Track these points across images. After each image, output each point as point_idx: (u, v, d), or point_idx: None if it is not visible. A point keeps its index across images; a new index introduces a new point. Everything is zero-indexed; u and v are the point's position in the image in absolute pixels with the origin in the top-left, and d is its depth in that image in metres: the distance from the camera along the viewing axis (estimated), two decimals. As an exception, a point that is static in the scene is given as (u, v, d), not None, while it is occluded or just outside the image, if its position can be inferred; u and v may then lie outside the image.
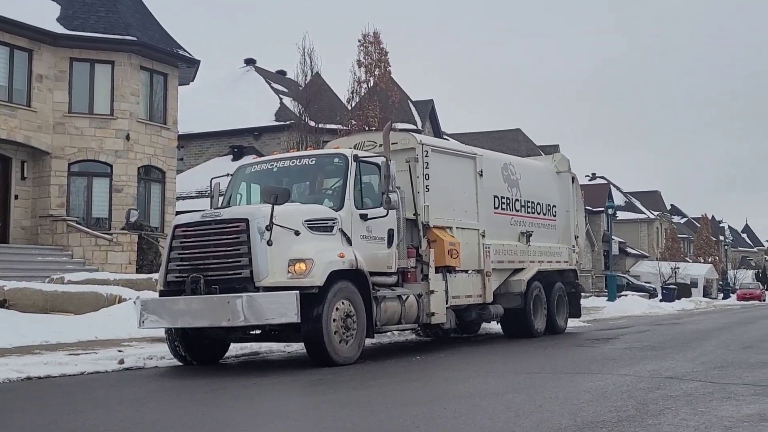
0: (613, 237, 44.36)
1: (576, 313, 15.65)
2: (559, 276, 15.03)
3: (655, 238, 71.70)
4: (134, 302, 11.30)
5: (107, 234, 21.90)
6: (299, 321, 8.61)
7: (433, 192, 11.52)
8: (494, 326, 14.82)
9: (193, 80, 27.29)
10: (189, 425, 5.70)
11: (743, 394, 6.43)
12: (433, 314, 11.04)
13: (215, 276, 8.89)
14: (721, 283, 67.40)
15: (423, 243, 11.25)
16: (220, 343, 10.23)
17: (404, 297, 10.44)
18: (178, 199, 26.44)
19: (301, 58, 26.81)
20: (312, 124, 26.62)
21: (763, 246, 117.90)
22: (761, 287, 64.61)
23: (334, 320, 9.02)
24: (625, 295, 35.95)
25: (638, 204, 73.41)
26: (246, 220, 8.94)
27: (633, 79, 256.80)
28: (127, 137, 23.49)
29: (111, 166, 23.33)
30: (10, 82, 22.04)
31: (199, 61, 26.06)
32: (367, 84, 26.01)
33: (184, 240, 9.30)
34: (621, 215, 62.93)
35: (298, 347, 11.12)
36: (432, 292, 11.05)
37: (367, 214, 9.95)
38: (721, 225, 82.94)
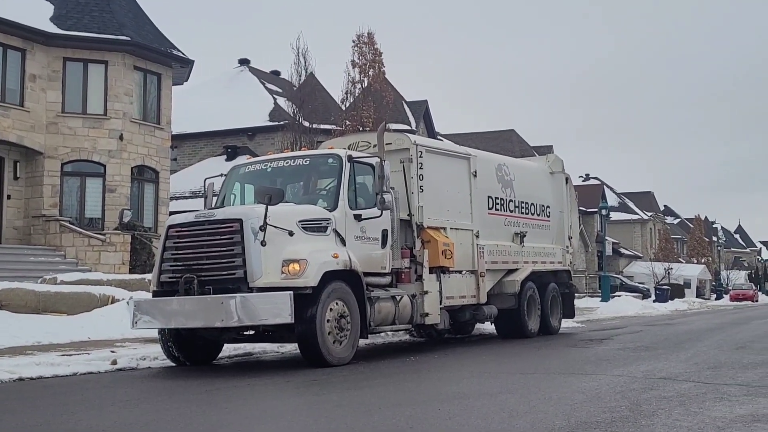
0: (606, 238, 44.38)
1: (570, 313, 15.70)
2: (553, 276, 15.06)
3: (649, 238, 71.88)
4: (127, 303, 11.29)
5: (100, 234, 21.86)
6: (293, 321, 8.60)
7: (427, 192, 11.52)
8: (488, 327, 14.82)
9: (186, 80, 27.23)
10: (182, 426, 5.69)
11: (736, 395, 6.44)
12: (427, 315, 11.04)
13: (209, 276, 8.87)
14: (714, 283, 67.46)
15: (417, 243, 11.25)
16: (213, 344, 10.20)
17: (398, 297, 10.43)
18: (171, 199, 26.40)
19: (295, 59, 26.81)
20: (306, 124, 26.57)
21: (756, 247, 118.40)
22: (754, 288, 64.84)
23: (328, 321, 9.02)
24: (619, 296, 35.97)
25: (632, 205, 73.62)
26: (240, 221, 8.92)
27: (627, 80, 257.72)
28: (121, 137, 23.44)
29: (104, 166, 23.28)
30: (3, 81, 21.99)
31: (193, 61, 26.02)
32: (362, 84, 26.00)
33: (178, 240, 9.27)
34: (614, 216, 63.11)
35: (291, 348, 11.10)
36: (426, 292, 11.05)
37: (361, 215, 9.94)
38: (714, 226, 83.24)
